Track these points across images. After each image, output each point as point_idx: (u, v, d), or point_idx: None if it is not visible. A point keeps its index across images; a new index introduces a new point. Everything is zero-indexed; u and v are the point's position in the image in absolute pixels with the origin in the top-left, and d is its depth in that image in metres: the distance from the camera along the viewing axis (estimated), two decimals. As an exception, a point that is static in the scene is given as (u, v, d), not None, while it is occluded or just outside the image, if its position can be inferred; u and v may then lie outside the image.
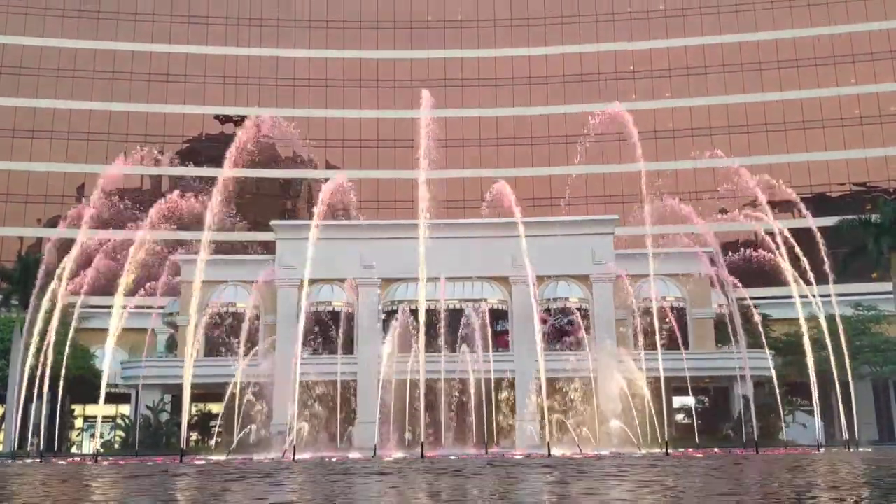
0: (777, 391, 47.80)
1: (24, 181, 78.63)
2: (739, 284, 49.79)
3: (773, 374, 47.97)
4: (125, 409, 62.51)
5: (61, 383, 43.63)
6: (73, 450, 61.54)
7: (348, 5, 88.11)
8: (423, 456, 33.65)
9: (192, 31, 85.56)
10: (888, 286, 59.87)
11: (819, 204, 72.05)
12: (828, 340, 46.46)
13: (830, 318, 49.52)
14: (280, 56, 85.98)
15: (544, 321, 50.39)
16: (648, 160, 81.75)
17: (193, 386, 50.04)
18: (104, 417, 62.99)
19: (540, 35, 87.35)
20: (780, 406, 50.17)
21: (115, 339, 59.60)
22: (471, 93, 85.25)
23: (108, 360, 40.55)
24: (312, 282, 54.93)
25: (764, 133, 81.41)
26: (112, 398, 63.25)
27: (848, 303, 61.87)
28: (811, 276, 47.15)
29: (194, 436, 54.54)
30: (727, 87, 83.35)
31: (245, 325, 50.49)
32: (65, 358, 44.15)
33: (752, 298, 61.05)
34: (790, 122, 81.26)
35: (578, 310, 54.58)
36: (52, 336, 43.35)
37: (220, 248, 70.22)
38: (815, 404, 45.19)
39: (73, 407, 63.52)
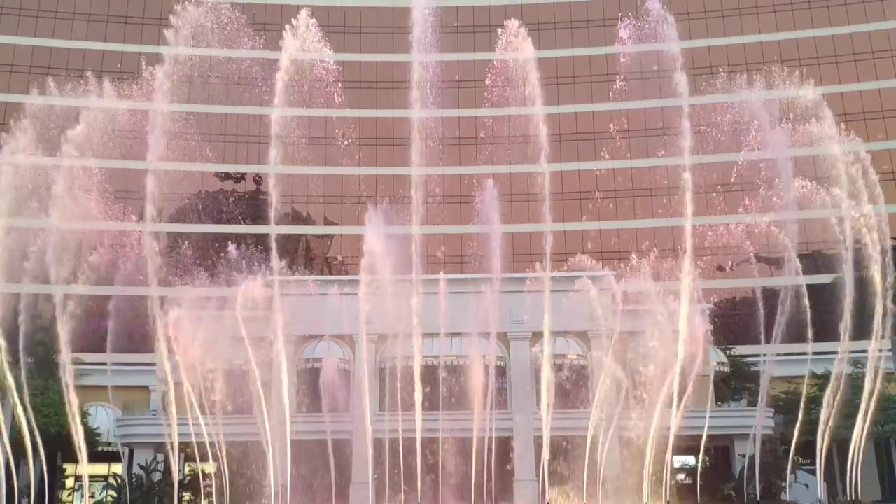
0: (790, 449, 47.32)
1: (21, 238, 78.57)
2: None
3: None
4: (118, 467, 61.56)
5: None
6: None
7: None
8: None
9: (194, 88, 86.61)
10: (886, 343, 59.63)
11: (816, 261, 72.19)
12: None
13: (831, 377, 49.37)
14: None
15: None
16: (647, 217, 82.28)
17: (187, 444, 49.54)
18: (97, 477, 62.10)
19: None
20: (792, 464, 49.55)
21: (110, 397, 59.15)
22: (468, 150, 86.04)
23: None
24: (308, 337, 54.87)
25: (760, 191, 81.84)
26: (105, 457, 62.36)
27: (847, 360, 61.51)
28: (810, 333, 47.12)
29: (187, 496, 53.63)
30: (718, 146, 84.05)
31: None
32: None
33: (751, 356, 60.80)
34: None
35: (577, 366, 54.18)
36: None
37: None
38: (837, 464, 44.50)
39: (64, 466, 62.54)
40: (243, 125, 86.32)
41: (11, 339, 46.42)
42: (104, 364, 53.15)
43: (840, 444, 51.29)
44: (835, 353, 48.42)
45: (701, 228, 73.90)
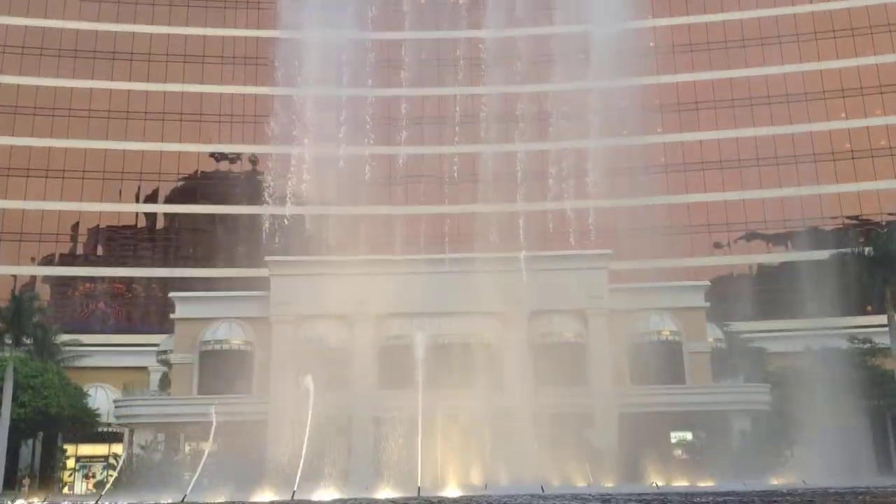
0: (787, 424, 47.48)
1: (18, 219, 78.54)
2: None
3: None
4: (118, 448, 61.87)
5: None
6: (66, 490, 60.72)
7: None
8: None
9: (189, 69, 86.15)
10: (882, 318, 59.93)
11: (812, 237, 72.38)
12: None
13: (828, 352, 49.55)
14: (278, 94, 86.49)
15: None
16: (640, 195, 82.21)
17: (187, 424, 49.82)
18: (98, 457, 62.48)
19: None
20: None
21: (110, 378, 59.30)
22: (466, 129, 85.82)
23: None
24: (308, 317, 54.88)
25: (756, 168, 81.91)
26: (105, 437, 62.73)
27: (843, 336, 61.79)
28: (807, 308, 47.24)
29: (187, 475, 53.87)
30: (718, 123, 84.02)
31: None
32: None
33: (748, 332, 60.93)
34: (782, 157, 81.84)
35: (574, 345, 54.28)
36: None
37: (219, 285, 70.21)
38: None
39: (65, 447, 62.81)
40: (238, 105, 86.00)
41: (12, 321, 46.54)
42: (102, 345, 53.32)
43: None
44: (833, 328, 48.58)
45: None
